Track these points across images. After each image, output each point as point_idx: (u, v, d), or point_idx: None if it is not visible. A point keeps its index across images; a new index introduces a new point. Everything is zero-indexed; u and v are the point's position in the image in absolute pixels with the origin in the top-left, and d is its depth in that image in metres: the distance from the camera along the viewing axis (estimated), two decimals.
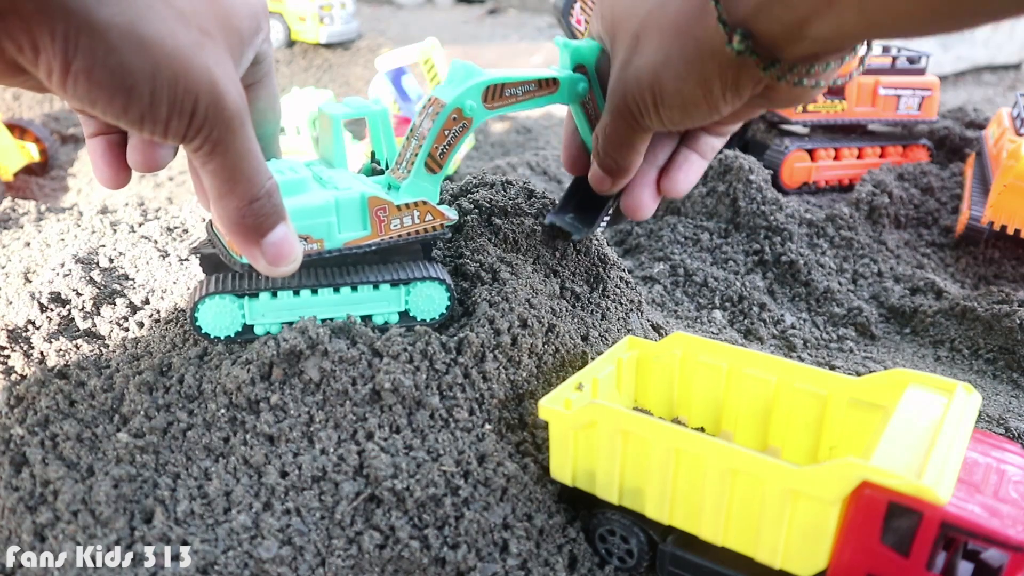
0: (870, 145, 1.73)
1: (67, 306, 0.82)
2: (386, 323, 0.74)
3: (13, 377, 0.74)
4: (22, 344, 0.78)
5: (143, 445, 0.65)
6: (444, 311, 0.75)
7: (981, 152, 1.63)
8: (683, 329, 1.12)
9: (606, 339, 0.84)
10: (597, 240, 0.92)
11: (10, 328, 0.79)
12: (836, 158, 1.70)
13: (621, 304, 0.90)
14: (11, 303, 0.82)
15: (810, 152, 1.67)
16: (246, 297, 0.71)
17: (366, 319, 0.74)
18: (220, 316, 0.72)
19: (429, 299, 0.74)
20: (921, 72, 1.73)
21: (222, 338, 0.72)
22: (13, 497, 0.63)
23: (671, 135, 0.75)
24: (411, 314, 0.75)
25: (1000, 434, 0.93)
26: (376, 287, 0.73)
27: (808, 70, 0.57)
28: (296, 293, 0.71)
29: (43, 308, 0.81)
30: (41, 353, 0.76)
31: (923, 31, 0.51)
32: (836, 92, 1.72)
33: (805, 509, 0.55)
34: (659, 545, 0.64)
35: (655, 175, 0.77)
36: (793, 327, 1.22)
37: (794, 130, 1.77)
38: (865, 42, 0.60)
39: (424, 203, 0.72)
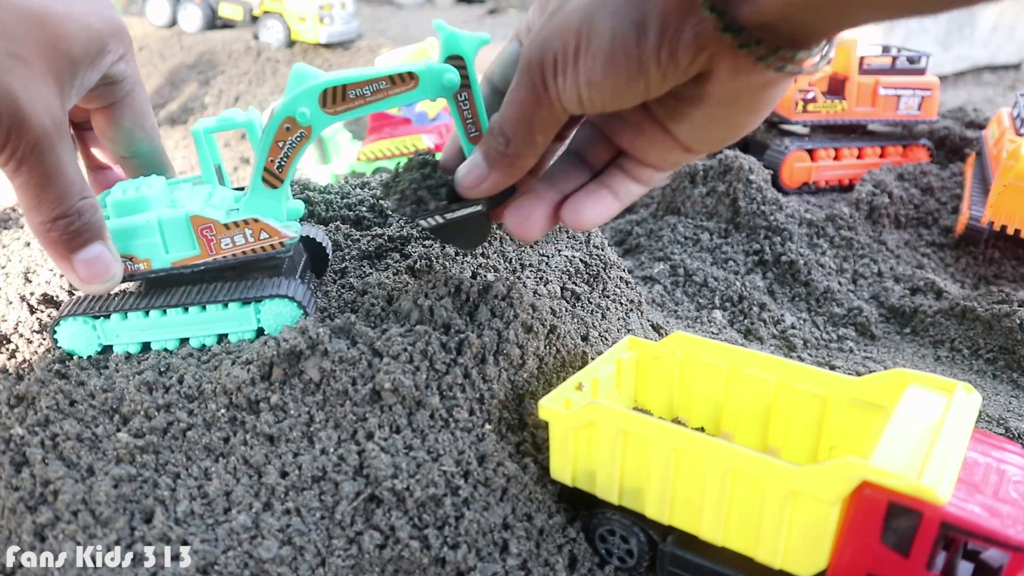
0: (870, 145, 1.73)
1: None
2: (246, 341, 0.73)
3: (12, 377, 0.74)
4: (23, 344, 0.78)
5: (143, 445, 0.65)
6: None
7: (981, 152, 1.63)
8: (683, 329, 1.12)
9: (606, 339, 0.84)
10: (597, 241, 0.92)
11: (11, 328, 0.79)
12: (836, 158, 1.70)
13: (621, 304, 0.90)
14: (11, 303, 0.82)
15: (810, 152, 1.67)
16: (100, 318, 0.72)
17: (223, 337, 0.74)
18: (77, 337, 0.73)
19: (280, 317, 0.72)
20: (921, 72, 1.73)
21: (85, 357, 0.74)
22: (13, 497, 0.63)
23: (583, 166, 0.66)
24: (267, 332, 0.73)
25: (1000, 434, 0.93)
26: (226, 306, 0.72)
27: (758, 41, 0.48)
28: (146, 313, 0.72)
29: (43, 308, 0.82)
30: (41, 353, 0.76)
31: (863, 14, 0.45)
32: (836, 92, 1.73)
33: (805, 509, 0.55)
34: (659, 545, 0.64)
35: (556, 199, 0.65)
36: (793, 327, 1.22)
37: (794, 130, 1.77)
38: (824, 41, 0.50)
39: (256, 221, 0.68)
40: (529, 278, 0.85)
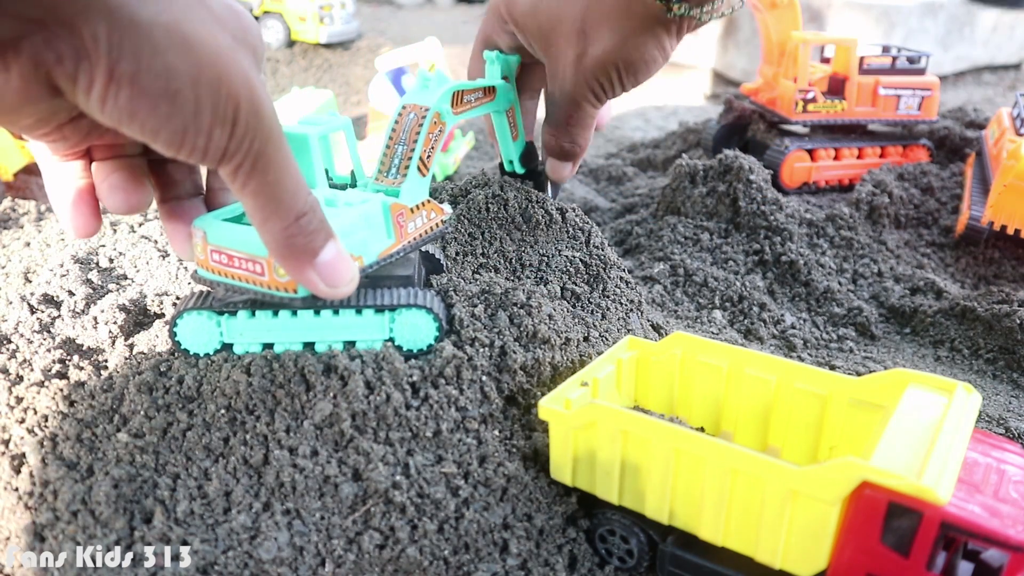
0: (870, 145, 1.73)
1: (66, 306, 0.82)
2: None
3: (12, 377, 0.74)
4: (23, 344, 0.78)
5: (143, 445, 0.65)
6: (432, 342, 0.70)
7: (981, 152, 1.63)
8: (683, 329, 1.12)
9: (606, 339, 0.84)
10: (598, 244, 0.92)
11: (11, 328, 0.79)
12: (836, 158, 1.70)
13: (621, 304, 0.90)
14: (11, 303, 0.82)
15: (810, 152, 1.67)
16: (225, 314, 0.68)
17: (349, 345, 0.70)
18: (198, 332, 0.69)
19: (415, 328, 0.69)
20: (921, 72, 1.73)
21: (201, 355, 0.70)
22: (13, 497, 0.63)
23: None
24: (396, 343, 0.70)
25: (1000, 434, 0.93)
26: (359, 312, 0.68)
27: (703, 8, 0.72)
28: (275, 313, 0.68)
29: (43, 308, 0.82)
30: (41, 353, 0.76)
31: None
32: (836, 92, 1.73)
33: (805, 509, 0.55)
34: (659, 545, 0.64)
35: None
36: (793, 327, 1.22)
37: (794, 130, 1.77)
38: None
39: (428, 202, 0.72)
40: (529, 278, 0.85)
